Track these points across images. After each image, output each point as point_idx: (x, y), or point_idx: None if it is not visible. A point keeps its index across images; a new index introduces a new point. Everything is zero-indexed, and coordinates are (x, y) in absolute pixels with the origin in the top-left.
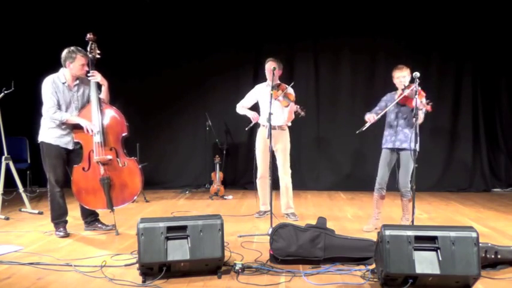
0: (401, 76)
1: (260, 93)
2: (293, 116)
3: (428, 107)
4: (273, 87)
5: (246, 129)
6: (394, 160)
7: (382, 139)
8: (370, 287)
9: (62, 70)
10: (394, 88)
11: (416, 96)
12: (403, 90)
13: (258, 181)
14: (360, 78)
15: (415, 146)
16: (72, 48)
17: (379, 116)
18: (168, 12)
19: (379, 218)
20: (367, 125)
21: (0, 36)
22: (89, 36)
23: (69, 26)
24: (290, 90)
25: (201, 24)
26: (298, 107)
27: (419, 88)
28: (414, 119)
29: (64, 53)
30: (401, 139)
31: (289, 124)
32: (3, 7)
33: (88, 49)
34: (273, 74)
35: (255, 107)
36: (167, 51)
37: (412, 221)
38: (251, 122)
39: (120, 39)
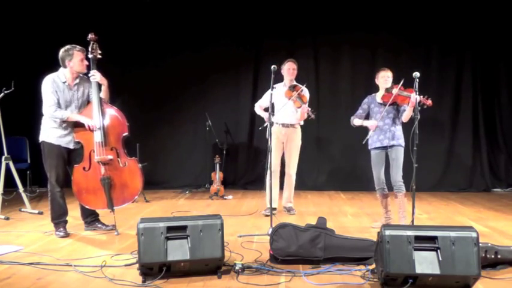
0: (387, 76)
1: (277, 93)
2: (305, 116)
3: (429, 101)
4: (289, 88)
5: (260, 128)
6: (384, 158)
7: (369, 140)
8: (370, 287)
9: (61, 70)
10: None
11: (411, 94)
12: (388, 91)
13: (269, 176)
14: (360, 73)
15: (414, 145)
16: (67, 46)
17: (378, 120)
18: (168, 9)
19: (391, 218)
20: (371, 132)
21: (1, 36)
22: (90, 36)
23: (68, 24)
24: (305, 91)
25: (201, 21)
26: (309, 109)
27: (402, 86)
28: (416, 117)
29: (61, 52)
30: (389, 137)
31: (302, 123)
32: (3, 7)
33: (89, 49)
34: (272, 72)
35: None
36: (167, 51)
37: (412, 221)
38: (265, 122)
39: (118, 35)
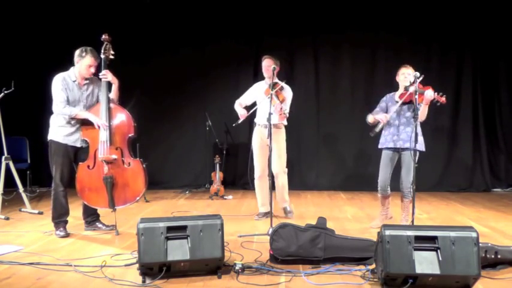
0: (407, 73)
1: (258, 91)
2: (283, 115)
3: (443, 99)
4: (269, 86)
5: (234, 125)
6: (395, 160)
7: (381, 139)
8: (370, 287)
9: (72, 68)
10: (394, 83)
11: (427, 90)
12: (406, 88)
13: (256, 181)
14: (361, 73)
15: (415, 145)
16: (86, 48)
17: (390, 113)
18: (168, 6)
19: (387, 213)
20: (380, 125)
21: (1, 35)
22: (104, 36)
23: (68, 24)
24: (286, 89)
25: (201, 19)
26: (282, 108)
27: (420, 84)
28: (413, 118)
29: (77, 50)
30: (404, 139)
31: (285, 123)
32: (4, 6)
33: (102, 50)
34: (273, 73)
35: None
36: (166, 48)
37: (412, 221)
38: (239, 119)
39: (117, 34)
